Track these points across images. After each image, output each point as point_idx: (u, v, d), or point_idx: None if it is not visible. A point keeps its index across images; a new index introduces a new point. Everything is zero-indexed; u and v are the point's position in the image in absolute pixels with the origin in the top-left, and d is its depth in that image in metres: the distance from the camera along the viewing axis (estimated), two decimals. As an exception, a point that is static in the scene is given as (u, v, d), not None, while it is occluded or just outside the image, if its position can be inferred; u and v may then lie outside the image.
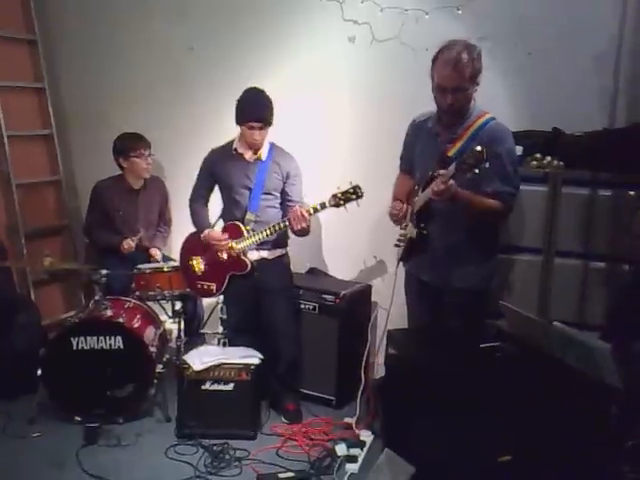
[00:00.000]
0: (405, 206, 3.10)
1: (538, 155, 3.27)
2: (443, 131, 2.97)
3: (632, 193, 3.12)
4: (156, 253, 4.28)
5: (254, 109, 3.49)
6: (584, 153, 3.18)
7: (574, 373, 2.13)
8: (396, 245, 3.21)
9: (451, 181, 2.64)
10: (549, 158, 3.23)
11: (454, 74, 2.75)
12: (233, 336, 3.85)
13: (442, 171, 2.67)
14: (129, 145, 4.21)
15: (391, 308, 3.44)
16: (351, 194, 3.29)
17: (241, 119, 3.51)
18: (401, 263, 3.26)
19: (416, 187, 3.06)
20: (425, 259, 3.08)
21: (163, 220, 4.50)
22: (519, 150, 3.34)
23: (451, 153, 2.84)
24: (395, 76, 3.84)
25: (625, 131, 3.27)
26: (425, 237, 3.00)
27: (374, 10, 3.81)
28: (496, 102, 3.59)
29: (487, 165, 2.54)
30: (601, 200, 3.20)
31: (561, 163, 3.16)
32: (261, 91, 3.54)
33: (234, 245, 3.57)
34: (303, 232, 3.48)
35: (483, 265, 3.05)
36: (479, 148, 2.51)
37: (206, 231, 3.68)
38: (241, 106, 3.51)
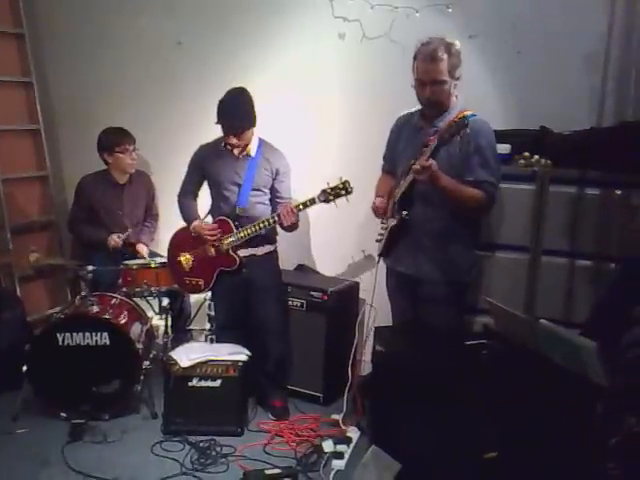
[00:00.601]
0: (386, 200, 3.15)
1: (526, 153, 3.28)
2: (426, 125, 3.03)
3: (619, 192, 3.14)
4: (142, 249, 4.26)
5: (227, 119, 3.45)
6: (572, 152, 3.19)
7: (560, 370, 2.13)
8: (377, 240, 3.22)
9: (431, 160, 2.74)
10: (537, 156, 3.24)
11: (431, 67, 2.87)
12: (220, 333, 3.84)
13: (425, 148, 2.78)
14: (113, 140, 4.18)
15: (373, 302, 3.46)
16: (340, 190, 3.29)
17: (219, 124, 3.48)
18: (382, 259, 3.28)
19: (400, 182, 3.09)
20: (403, 250, 3.12)
21: (150, 215, 4.49)
22: (507, 149, 3.36)
23: (432, 144, 2.89)
24: (385, 73, 3.85)
25: (613, 130, 3.29)
26: (406, 224, 3.03)
27: (364, 7, 3.81)
28: (485, 100, 3.62)
29: (468, 131, 2.70)
30: (588, 199, 3.22)
31: (549, 162, 3.17)
32: (237, 96, 3.49)
33: (223, 240, 3.56)
34: (292, 227, 3.50)
35: (461, 257, 3.08)
36: (460, 117, 2.68)
37: (196, 222, 3.67)
38: (218, 112, 3.47)
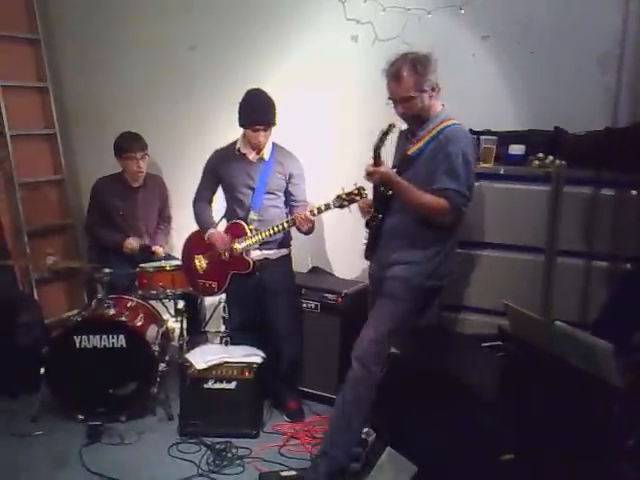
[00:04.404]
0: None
1: (540, 154, 3.29)
2: (411, 135, 3.07)
3: (635, 192, 3.12)
4: (159, 250, 4.29)
5: (257, 112, 3.50)
6: (586, 152, 3.18)
7: (576, 372, 2.13)
8: (364, 244, 3.23)
9: (383, 167, 2.89)
10: (551, 157, 3.25)
11: (396, 86, 2.92)
12: (235, 335, 3.86)
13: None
14: (121, 146, 4.22)
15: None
16: (355, 195, 3.29)
17: (245, 122, 3.52)
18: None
19: None
20: (377, 251, 3.15)
21: (163, 218, 4.51)
22: (521, 149, 3.35)
23: (411, 152, 2.97)
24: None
25: (627, 130, 3.27)
26: (379, 228, 3.08)
27: (377, 9, 3.82)
28: (498, 101, 3.61)
29: (389, 137, 2.91)
30: (603, 199, 3.20)
31: (563, 162, 3.17)
32: (263, 92, 3.55)
33: (237, 245, 3.57)
34: (309, 231, 3.52)
35: (422, 263, 2.99)
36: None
37: (210, 230, 3.69)
38: (244, 109, 3.51)
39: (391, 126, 2.89)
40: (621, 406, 2.01)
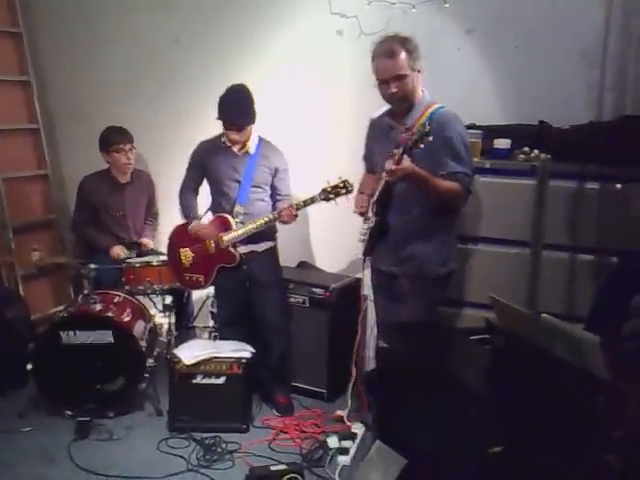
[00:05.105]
0: (368, 199, 3.15)
1: (526, 148, 3.32)
2: (397, 124, 3.05)
3: (619, 186, 3.15)
4: (148, 242, 4.31)
5: (230, 113, 3.48)
6: (571, 146, 3.20)
7: (562, 365, 2.15)
8: (360, 240, 3.22)
9: (406, 160, 2.77)
10: (536, 151, 3.27)
11: (390, 63, 2.90)
12: (224, 329, 3.86)
13: (395, 150, 2.80)
14: (108, 140, 4.19)
15: (368, 303, 3.56)
16: (341, 189, 3.32)
17: (220, 119, 3.50)
18: (367, 259, 3.28)
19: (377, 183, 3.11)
20: (383, 248, 3.13)
21: (150, 213, 4.50)
22: (507, 144, 3.37)
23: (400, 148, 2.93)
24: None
25: (612, 124, 3.30)
26: (383, 224, 3.06)
27: (361, 3, 3.82)
28: (483, 95, 3.63)
29: (430, 139, 2.72)
30: (588, 193, 3.23)
31: (548, 156, 3.20)
32: (241, 91, 3.52)
33: (223, 237, 3.57)
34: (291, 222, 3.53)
35: (438, 251, 3.08)
36: (422, 123, 2.75)
37: (194, 223, 3.68)
38: (220, 107, 3.49)
39: (430, 129, 2.75)
40: (607, 398, 2.03)
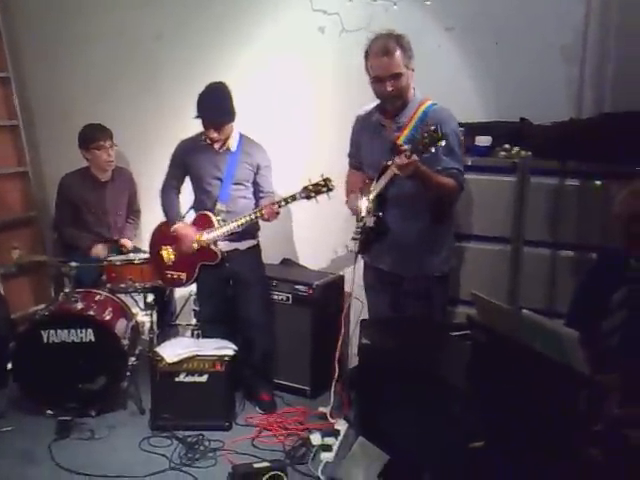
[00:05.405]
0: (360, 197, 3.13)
1: (506, 145, 3.33)
2: (389, 122, 3.05)
3: (599, 182, 3.17)
4: (127, 243, 4.27)
5: (207, 113, 3.46)
6: (551, 143, 3.22)
7: (543, 359, 2.16)
8: (353, 239, 3.21)
9: (414, 156, 2.73)
10: (517, 148, 3.29)
11: (386, 61, 2.89)
12: (206, 327, 3.85)
13: (405, 146, 2.77)
14: (88, 137, 4.16)
15: (356, 295, 3.57)
16: (322, 187, 3.32)
17: (199, 119, 3.48)
18: (360, 256, 3.27)
19: (367, 181, 3.10)
20: (383, 247, 3.13)
21: (131, 211, 4.47)
22: (488, 141, 3.39)
23: (400, 140, 2.92)
24: (364, 67, 3.85)
25: (592, 121, 3.32)
26: (383, 224, 3.05)
27: (343, 0, 3.81)
28: (463, 92, 3.63)
29: (443, 143, 2.68)
30: (569, 189, 3.25)
31: (529, 153, 3.21)
32: (219, 89, 3.50)
33: (202, 237, 3.56)
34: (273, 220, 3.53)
35: (439, 250, 3.12)
36: (433, 127, 2.66)
37: (177, 224, 3.67)
38: (198, 104, 3.47)
39: (443, 135, 2.71)
40: (587, 392, 2.05)
